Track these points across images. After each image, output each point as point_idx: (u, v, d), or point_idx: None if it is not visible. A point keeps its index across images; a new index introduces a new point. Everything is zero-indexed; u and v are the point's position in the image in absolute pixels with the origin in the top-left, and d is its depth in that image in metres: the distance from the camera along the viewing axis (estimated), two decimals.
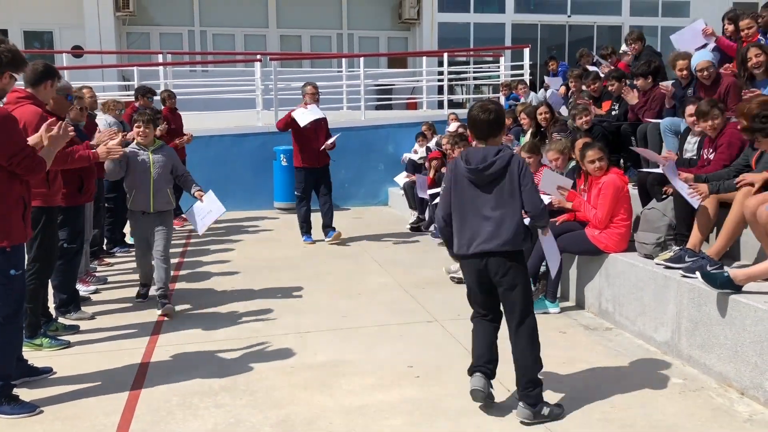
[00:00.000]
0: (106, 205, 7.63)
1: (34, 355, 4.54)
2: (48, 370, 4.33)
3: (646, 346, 4.83)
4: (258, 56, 13.54)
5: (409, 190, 10.13)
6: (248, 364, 4.55)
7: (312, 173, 8.54)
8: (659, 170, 5.27)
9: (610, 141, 6.80)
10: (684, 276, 4.47)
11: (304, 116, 8.27)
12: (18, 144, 3.73)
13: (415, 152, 11.13)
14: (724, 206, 4.65)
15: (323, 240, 8.68)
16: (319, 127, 8.50)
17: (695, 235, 4.75)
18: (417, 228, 9.48)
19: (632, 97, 7.02)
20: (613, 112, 7.62)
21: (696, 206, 4.77)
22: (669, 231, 5.09)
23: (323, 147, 8.40)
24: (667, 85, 6.89)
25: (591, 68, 9.66)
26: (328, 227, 8.69)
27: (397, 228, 9.80)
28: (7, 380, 3.84)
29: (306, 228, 8.76)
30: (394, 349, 4.82)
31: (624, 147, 7.05)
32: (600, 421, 3.66)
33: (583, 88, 8.57)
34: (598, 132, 6.83)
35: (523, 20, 20.41)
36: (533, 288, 5.74)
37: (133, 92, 9.34)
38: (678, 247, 4.84)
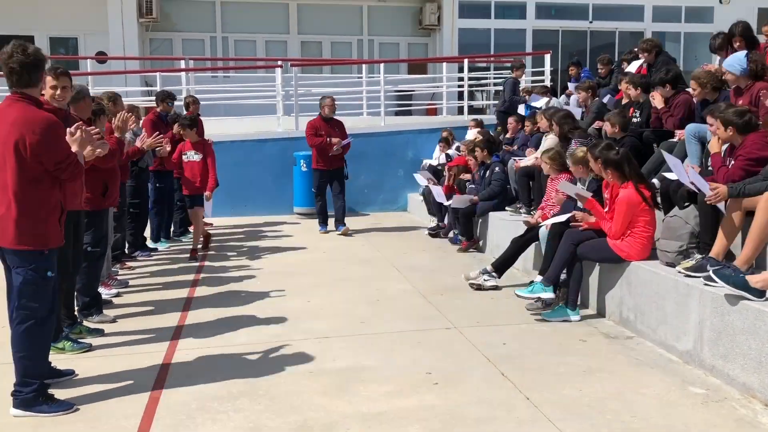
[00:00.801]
0: (130, 210, 7.73)
1: (57, 358, 4.58)
2: (70, 372, 4.39)
3: (667, 355, 4.78)
4: (279, 62, 13.63)
5: (428, 195, 10.13)
6: (267, 369, 4.56)
7: (325, 174, 9.73)
8: (673, 175, 5.20)
9: (641, 151, 6.73)
10: (706, 284, 4.42)
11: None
12: (64, 150, 3.83)
13: (437, 159, 11.12)
14: (750, 215, 4.58)
15: (335, 231, 9.75)
16: (334, 134, 9.60)
17: (719, 243, 4.68)
18: (436, 234, 9.46)
19: (659, 102, 6.95)
20: (635, 119, 7.55)
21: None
22: (691, 239, 5.03)
23: (330, 152, 9.50)
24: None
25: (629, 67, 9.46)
26: (339, 222, 9.79)
27: (416, 234, 9.80)
28: (42, 380, 3.93)
29: (322, 219, 9.98)
30: (412, 355, 4.81)
31: (647, 155, 6.96)
32: (620, 430, 3.62)
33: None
34: (629, 142, 6.73)
35: (544, 26, 20.33)
36: (553, 295, 5.71)
37: (154, 97, 9.48)
38: (700, 256, 4.78)
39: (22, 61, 3.77)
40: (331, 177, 9.75)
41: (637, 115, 7.56)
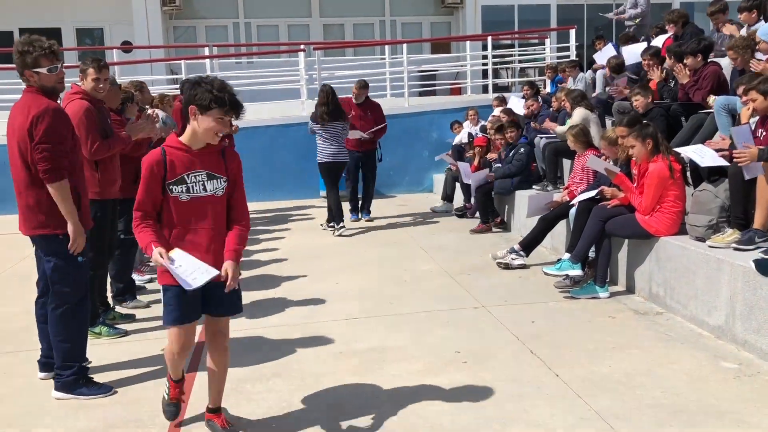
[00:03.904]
0: None
1: (94, 343, 4.71)
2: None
3: (698, 330, 4.74)
4: (302, 46, 13.64)
5: (447, 178, 10.13)
6: (298, 350, 4.63)
7: (354, 158, 9.19)
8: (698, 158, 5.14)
9: (669, 124, 6.64)
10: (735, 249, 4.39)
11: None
12: (45, 139, 3.76)
13: (461, 139, 11.07)
14: None
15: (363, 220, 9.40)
16: (364, 117, 9.18)
17: (761, 214, 4.61)
18: (463, 215, 9.45)
19: (683, 76, 6.84)
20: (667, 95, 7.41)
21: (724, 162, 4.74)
22: (721, 213, 4.97)
23: (352, 136, 9.03)
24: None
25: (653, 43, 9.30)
26: (363, 209, 9.50)
27: (443, 215, 9.80)
28: (81, 362, 4.05)
29: (352, 206, 9.44)
30: (441, 334, 4.84)
31: (675, 128, 6.86)
32: (651, 406, 3.62)
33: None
34: (656, 114, 6.65)
35: (569, 1, 19.98)
36: (582, 272, 5.69)
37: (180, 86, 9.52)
38: (741, 231, 4.70)
39: (16, 53, 3.83)
40: (360, 160, 9.29)
41: (671, 85, 7.42)
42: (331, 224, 8.72)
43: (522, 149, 8.29)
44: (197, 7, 19.41)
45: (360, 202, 9.50)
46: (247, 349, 4.72)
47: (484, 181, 8.41)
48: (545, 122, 8.47)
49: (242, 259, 7.44)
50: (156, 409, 3.80)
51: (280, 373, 4.25)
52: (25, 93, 3.90)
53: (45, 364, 4.22)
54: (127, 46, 17.40)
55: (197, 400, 3.90)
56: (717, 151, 5.06)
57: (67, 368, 3.99)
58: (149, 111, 7.10)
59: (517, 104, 10.24)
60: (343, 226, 8.61)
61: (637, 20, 10.50)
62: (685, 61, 6.88)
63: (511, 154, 8.45)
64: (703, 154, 5.02)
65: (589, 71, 11.30)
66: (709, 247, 4.76)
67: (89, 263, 4.13)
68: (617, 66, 9.06)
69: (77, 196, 3.99)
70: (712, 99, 6.34)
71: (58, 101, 4.02)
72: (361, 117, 9.20)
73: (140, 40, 17.82)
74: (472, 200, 9.35)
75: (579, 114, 7.80)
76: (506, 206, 8.57)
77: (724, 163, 4.90)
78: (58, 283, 3.92)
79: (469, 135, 10.63)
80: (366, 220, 9.36)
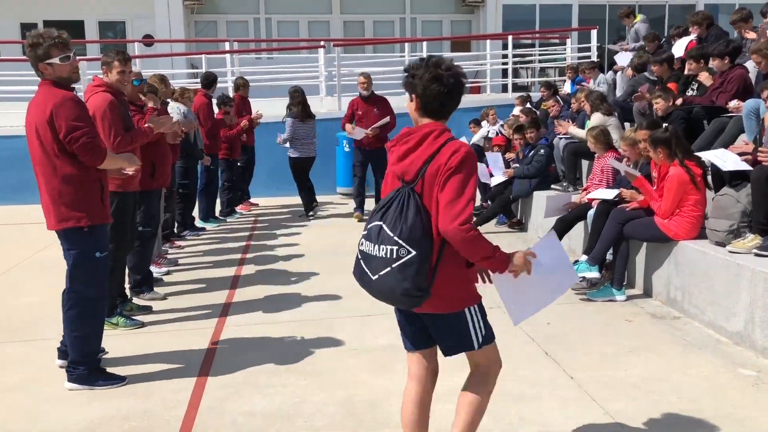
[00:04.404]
0: (180, 190, 7.89)
1: (111, 334, 4.75)
2: (102, 350, 4.44)
3: (716, 336, 4.69)
4: (321, 43, 13.67)
5: None
6: (312, 346, 4.64)
7: (362, 153, 9.36)
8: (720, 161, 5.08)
9: (690, 126, 6.56)
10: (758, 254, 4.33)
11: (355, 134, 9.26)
12: (75, 126, 3.81)
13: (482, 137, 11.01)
14: None
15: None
16: (371, 113, 9.15)
17: None
18: (478, 214, 9.39)
19: (707, 79, 6.76)
20: (690, 92, 7.31)
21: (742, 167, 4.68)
22: (743, 218, 4.91)
23: (352, 136, 9.22)
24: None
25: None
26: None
27: None
28: (95, 357, 4.09)
29: (357, 201, 9.59)
30: None
31: (697, 130, 6.77)
32: (666, 412, 3.58)
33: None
34: (676, 116, 6.57)
35: (591, 1, 19.84)
36: (599, 275, 5.65)
37: (205, 81, 9.54)
38: (763, 236, 4.63)
39: (27, 47, 3.85)
40: (369, 158, 9.31)
41: (694, 88, 7.33)
42: (310, 214, 9.65)
43: (542, 150, 8.18)
44: (218, 1, 19.53)
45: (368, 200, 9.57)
46: (261, 343, 4.73)
47: (502, 172, 8.38)
48: (564, 125, 8.37)
49: (260, 253, 7.50)
50: (169, 400, 3.84)
51: (293, 368, 4.26)
52: (40, 87, 3.91)
53: (64, 352, 4.25)
54: (148, 40, 17.55)
55: (205, 400, 3.93)
56: (740, 155, 4.99)
57: (81, 363, 4.01)
58: (172, 103, 7.21)
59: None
60: (311, 214, 9.66)
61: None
62: (711, 63, 6.78)
63: (530, 154, 8.36)
64: (725, 159, 4.97)
65: (610, 72, 11.21)
66: (730, 252, 4.70)
67: (107, 260, 4.13)
68: (640, 66, 8.97)
69: (101, 189, 4.01)
70: (733, 103, 6.26)
71: (75, 92, 4.04)
72: (365, 114, 9.16)
73: (162, 34, 17.96)
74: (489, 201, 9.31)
75: (597, 119, 7.73)
76: (523, 207, 8.52)
77: (746, 167, 4.85)
78: (76, 278, 3.95)
79: (496, 133, 10.55)
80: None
